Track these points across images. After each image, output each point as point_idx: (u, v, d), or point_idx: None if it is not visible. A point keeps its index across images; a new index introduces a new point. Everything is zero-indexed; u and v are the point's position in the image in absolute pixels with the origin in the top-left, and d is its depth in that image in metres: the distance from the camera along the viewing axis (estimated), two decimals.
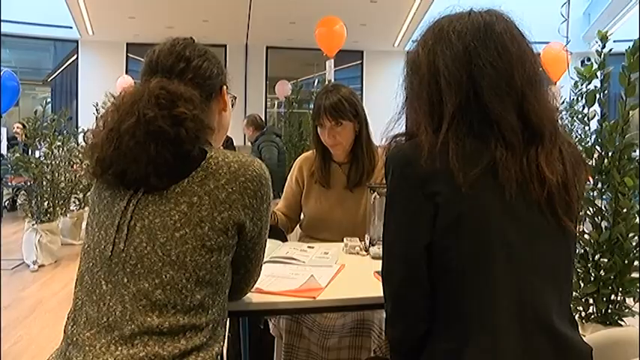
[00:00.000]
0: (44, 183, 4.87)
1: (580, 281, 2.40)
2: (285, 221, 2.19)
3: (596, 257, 2.35)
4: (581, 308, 2.41)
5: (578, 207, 1.02)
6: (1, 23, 4.51)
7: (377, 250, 1.70)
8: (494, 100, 0.96)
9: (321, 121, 2.05)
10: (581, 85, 2.53)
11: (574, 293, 2.40)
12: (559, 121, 1.06)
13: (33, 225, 4.75)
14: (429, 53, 1.02)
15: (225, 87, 1.26)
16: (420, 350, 0.99)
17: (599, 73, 2.41)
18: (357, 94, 2.14)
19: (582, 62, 9.45)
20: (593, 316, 2.38)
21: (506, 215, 0.94)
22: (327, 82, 5.84)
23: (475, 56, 0.97)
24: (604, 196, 2.38)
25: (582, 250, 2.39)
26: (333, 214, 2.11)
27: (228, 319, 1.17)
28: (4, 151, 5.32)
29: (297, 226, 2.31)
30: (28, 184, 4.85)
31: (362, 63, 12.67)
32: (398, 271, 1.00)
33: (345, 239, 1.84)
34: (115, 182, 1.08)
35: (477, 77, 0.97)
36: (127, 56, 11.89)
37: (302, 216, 2.27)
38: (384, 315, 1.06)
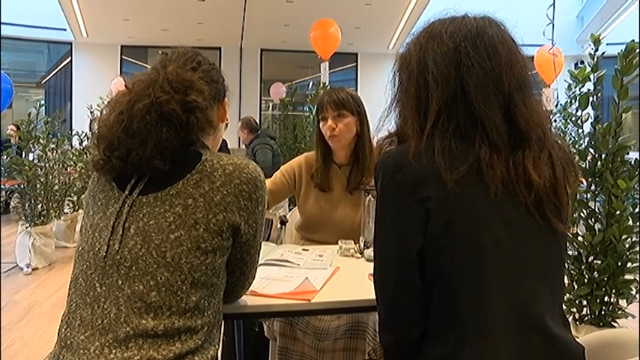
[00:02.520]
0: (38, 185, 4.84)
1: (574, 283, 2.41)
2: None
3: (590, 259, 2.37)
4: (575, 310, 2.42)
5: (568, 209, 1.03)
6: (0, 26, 4.48)
7: (371, 252, 1.70)
8: (481, 100, 0.96)
9: (324, 112, 2.08)
10: (575, 87, 2.55)
11: (568, 295, 2.41)
12: (551, 123, 1.07)
13: (26, 228, 4.73)
14: (420, 50, 1.03)
15: (227, 100, 1.29)
16: (415, 354, 0.99)
17: (592, 76, 2.43)
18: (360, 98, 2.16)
19: (576, 65, 9.53)
20: (586, 318, 2.39)
21: (496, 217, 0.94)
22: (321, 85, 5.84)
23: (465, 56, 0.98)
24: (597, 199, 2.40)
25: (576, 252, 2.41)
26: (332, 215, 2.10)
27: (222, 322, 1.16)
28: None
29: (293, 227, 2.31)
30: (22, 186, 4.82)
31: (356, 65, 12.70)
32: (390, 277, 1.00)
33: (339, 242, 1.84)
34: (119, 166, 1.08)
35: (464, 76, 0.98)
36: (121, 58, 11.85)
37: (297, 216, 2.27)
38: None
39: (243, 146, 6.85)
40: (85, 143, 6.12)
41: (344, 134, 2.07)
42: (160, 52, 1.33)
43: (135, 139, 1.05)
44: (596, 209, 2.39)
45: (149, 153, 1.04)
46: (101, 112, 1.16)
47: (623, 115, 2.33)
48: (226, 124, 1.32)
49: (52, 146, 5.16)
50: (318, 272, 1.56)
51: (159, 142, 1.05)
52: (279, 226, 2.52)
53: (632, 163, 2.31)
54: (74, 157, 5.58)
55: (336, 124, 2.06)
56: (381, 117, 1.12)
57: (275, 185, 2.18)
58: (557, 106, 6.79)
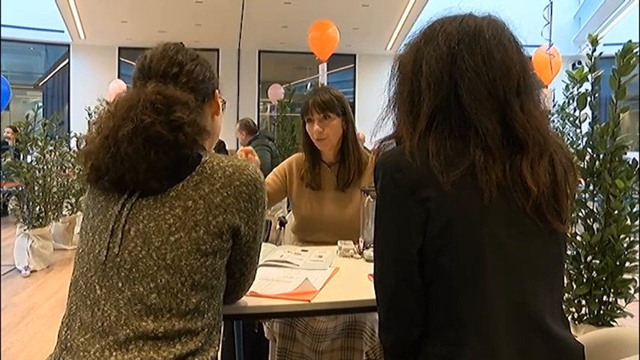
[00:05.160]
0: (36, 188, 4.84)
1: (572, 283, 2.41)
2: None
3: (588, 259, 2.37)
4: (573, 309, 2.43)
5: (568, 209, 1.02)
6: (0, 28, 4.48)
7: (371, 252, 1.70)
8: (473, 105, 0.96)
9: (310, 115, 2.09)
10: (573, 87, 2.56)
11: (567, 295, 2.42)
12: (550, 124, 1.07)
13: (25, 230, 4.72)
14: (416, 52, 1.03)
15: (217, 91, 1.26)
16: (415, 354, 0.99)
17: (589, 76, 2.44)
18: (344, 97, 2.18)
19: (573, 65, 9.54)
20: (585, 318, 2.40)
21: (495, 217, 0.94)
22: (319, 86, 5.86)
23: (459, 59, 0.98)
24: (595, 198, 2.40)
25: (575, 252, 2.41)
26: (325, 214, 2.12)
27: (222, 324, 1.16)
28: None
29: (291, 230, 2.31)
30: (20, 188, 4.82)
31: (354, 66, 12.72)
32: (390, 277, 1.00)
33: (339, 242, 1.84)
34: (111, 188, 1.08)
35: (458, 80, 0.97)
36: (119, 60, 11.87)
37: (293, 219, 2.28)
38: (376, 316, 1.06)
39: (241, 147, 6.85)
40: (82, 145, 6.10)
41: (331, 136, 2.09)
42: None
43: (124, 164, 1.03)
44: (595, 209, 2.39)
45: (143, 176, 1.03)
46: (89, 126, 1.14)
47: (621, 115, 2.33)
48: (223, 108, 1.30)
49: (50, 148, 5.16)
50: (317, 273, 1.56)
51: (150, 166, 1.02)
52: (278, 227, 2.52)
53: (630, 162, 2.32)
54: (72, 159, 5.57)
55: (323, 127, 2.07)
56: (379, 119, 1.12)
57: (269, 187, 2.19)
58: (554, 106, 6.80)
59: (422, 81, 1.00)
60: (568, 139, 5.87)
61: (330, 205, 2.13)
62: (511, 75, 0.98)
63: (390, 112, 1.10)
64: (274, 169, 2.26)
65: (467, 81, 0.97)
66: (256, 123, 7.73)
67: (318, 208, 2.14)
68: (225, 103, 1.32)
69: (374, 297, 1.04)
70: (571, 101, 2.64)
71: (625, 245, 2.30)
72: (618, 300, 2.36)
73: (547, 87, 6.87)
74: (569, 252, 2.42)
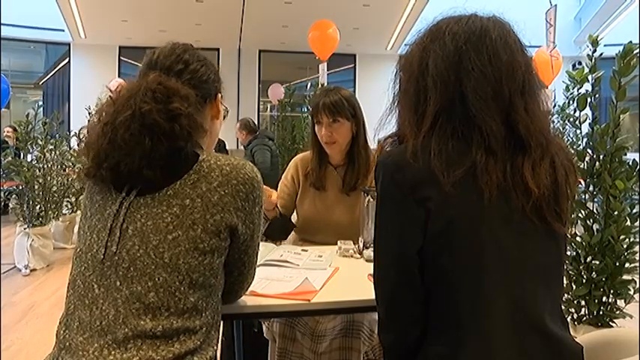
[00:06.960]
0: (36, 187, 4.84)
1: (572, 283, 2.41)
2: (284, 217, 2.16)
3: (588, 259, 2.37)
4: (573, 310, 2.43)
5: (569, 210, 1.02)
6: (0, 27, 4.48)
7: (371, 252, 1.70)
8: (478, 105, 0.96)
9: (319, 118, 2.06)
10: (573, 88, 2.56)
11: (566, 295, 2.42)
12: (551, 124, 1.06)
13: (25, 229, 4.72)
14: (422, 51, 1.03)
15: (220, 95, 1.26)
16: (415, 354, 0.99)
17: (590, 77, 2.44)
18: (356, 97, 2.14)
19: (574, 66, 9.54)
20: (585, 318, 2.40)
21: (495, 218, 0.94)
22: (320, 86, 5.85)
23: (465, 59, 0.98)
24: (595, 199, 2.40)
25: (574, 253, 2.41)
26: (328, 216, 2.10)
27: (221, 323, 1.16)
28: None
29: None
30: (20, 187, 4.82)
31: (355, 66, 12.71)
32: (390, 277, 1.00)
33: (339, 242, 1.84)
34: (109, 178, 1.08)
35: (463, 80, 0.97)
36: (119, 59, 11.85)
37: (296, 218, 2.27)
38: (374, 316, 1.06)
39: (242, 147, 6.85)
40: (84, 136, 6.09)
41: (339, 141, 2.07)
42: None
43: (121, 150, 1.04)
44: (595, 210, 2.39)
45: (137, 164, 1.03)
46: (89, 120, 1.15)
47: (621, 115, 2.33)
48: (226, 109, 1.30)
49: (51, 147, 5.16)
50: (317, 272, 1.57)
51: (144, 153, 1.03)
52: None
53: (630, 163, 2.32)
54: (72, 158, 5.57)
55: (331, 131, 2.05)
56: (382, 117, 1.12)
57: (283, 200, 2.17)
58: (555, 107, 6.80)
59: (428, 80, 1.00)
60: (568, 140, 5.87)
61: (334, 208, 2.11)
62: (516, 76, 0.98)
63: (393, 111, 1.10)
64: (282, 178, 2.25)
65: (472, 81, 0.97)
66: (256, 122, 7.74)
67: (321, 210, 2.12)
68: (227, 110, 1.32)
69: (374, 297, 1.04)
70: (571, 102, 2.64)
71: (625, 246, 2.30)
72: (618, 301, 2.36)
73: (548, 87, 6.87)
74: (568, 253, 2.42)
